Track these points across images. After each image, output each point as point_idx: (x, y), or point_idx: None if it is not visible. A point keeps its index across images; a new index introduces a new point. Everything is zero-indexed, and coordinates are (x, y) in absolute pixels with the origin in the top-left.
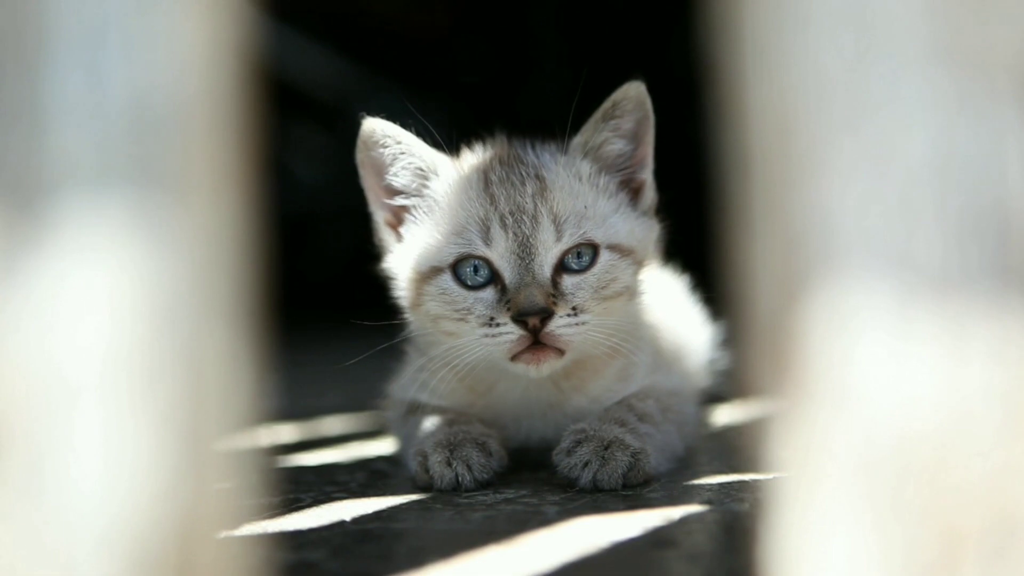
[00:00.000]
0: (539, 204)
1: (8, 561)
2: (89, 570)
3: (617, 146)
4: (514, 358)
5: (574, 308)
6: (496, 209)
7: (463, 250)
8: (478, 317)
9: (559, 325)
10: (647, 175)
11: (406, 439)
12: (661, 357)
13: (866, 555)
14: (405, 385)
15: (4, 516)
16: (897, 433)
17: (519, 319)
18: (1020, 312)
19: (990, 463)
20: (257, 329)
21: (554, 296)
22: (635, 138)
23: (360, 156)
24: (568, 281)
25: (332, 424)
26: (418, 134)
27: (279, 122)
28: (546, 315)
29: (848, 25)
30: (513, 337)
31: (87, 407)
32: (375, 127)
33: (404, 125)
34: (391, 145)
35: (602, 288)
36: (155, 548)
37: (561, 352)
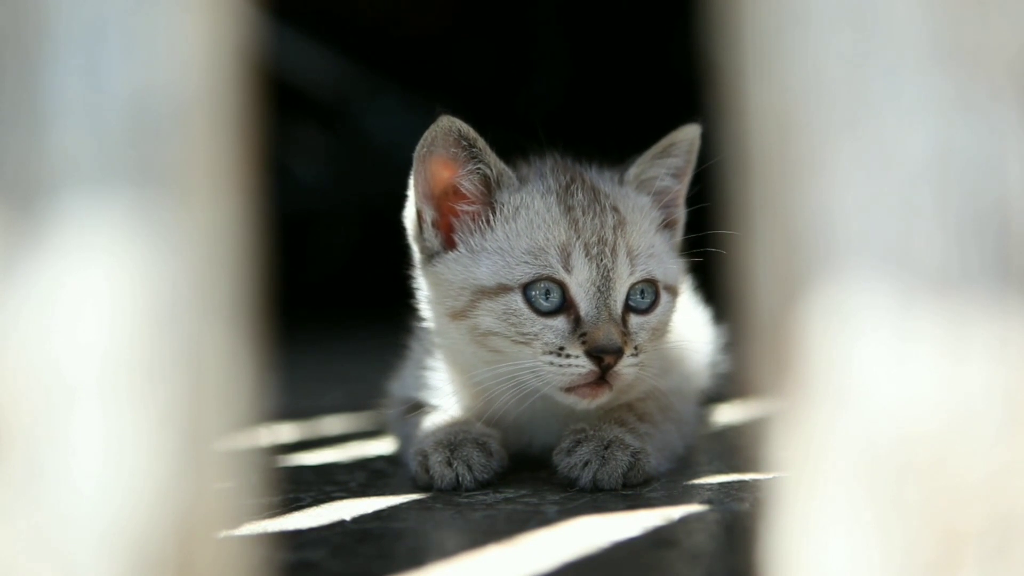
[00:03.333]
0: (619, 237)
1: (8, 561)
2: (89, 570)
3: (665, 183)
4: (569, 389)
5: (636, 348)
6: (580, 237)
7: (541, 272)
8: (546, 344)
9: (625, 365)
10: (681, 213)
11: (406, 438)
12: (665, 360)
13: (866, 555)
14: (406, 383)
15: (4, 516)
16: (897, 433)
17: (594, 355)
18: (1020, 312)
19: (990, 463)
20: (257, 329)
21: (625, 334)
22: (679, 175)
23: (425, 151)
24: (634, 321)
25: (332, 424)
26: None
27: (279, 122)
28: (620, 354)
29: (848, 25)
30: (583, 371)
31: (87, 407)
32: (454, 126)
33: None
34: (467, 148)
35: (656, 330)
36: (155, 548)
37: (612, 387)
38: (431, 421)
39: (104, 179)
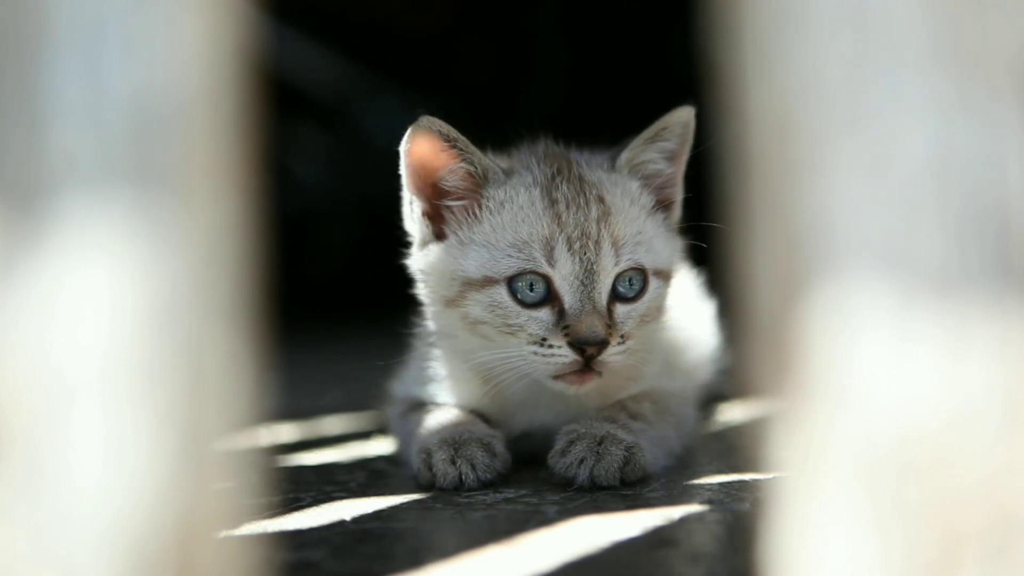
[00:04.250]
0: (603, 229)
1: (8, 561)
2: (89, 570)
3: (659, 166)
4: (557, 376)
5: (622, 336)
6: (562, 231)
7: (524, 265)
8: (530, 335)
9: (611, 353)
10: (677, 193)
11: (407, 436)
12: (670, 357)
13: (866, 555)
14: (408, 382)
15: (4, 516)
16: (897, 433)
17: (577, 346)
18: (1020, 312)
19: (990, 463)
20: (257, 329)
21: (610, 325)
22: (674, 158)
23: (409, 147)
24: (620, 310)
25: (332, 424)
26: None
27: (279, 122)
28: (603, 345)
29: (848, 25)
30: (566, 360)
31: (87, 406)
32: (433, 126)
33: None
34: (448, 146)
35: (646, 315)
36: (155, 548)
37: (600, 374)
38: (435, 419)
39: (104, 179)
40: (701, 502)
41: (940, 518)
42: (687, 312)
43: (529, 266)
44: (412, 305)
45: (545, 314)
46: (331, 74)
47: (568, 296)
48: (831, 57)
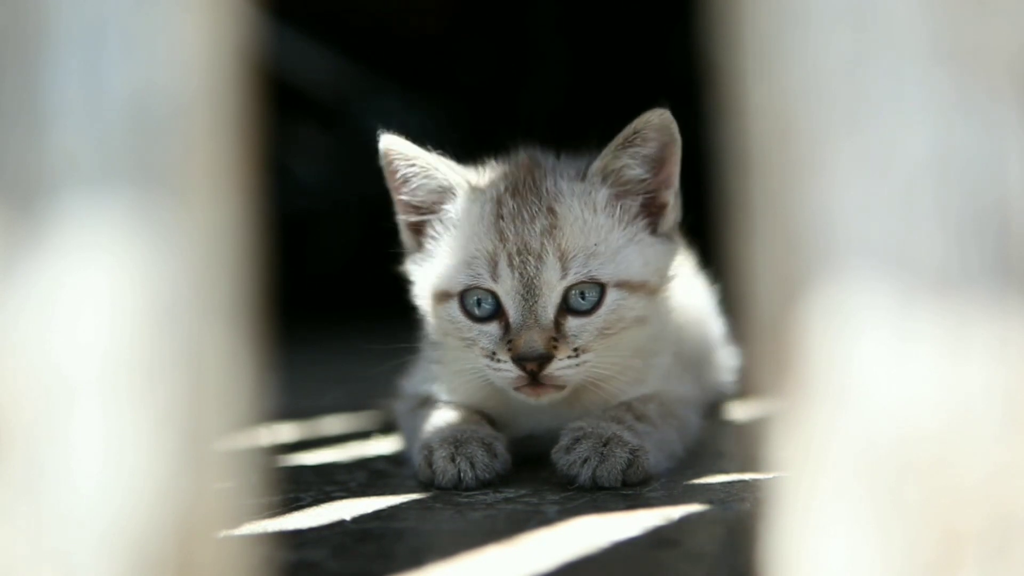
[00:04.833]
0: (546, 243)
1: (8, 561)
2: (89, 570)
3: (637, 172)
4: (516, 388)
5: (576, 349)
6: (504, 246)
7: (471, 282)
8: (482, 349)
9: (558, 367)
10: (670, 196)
11: (412, 432)
12: (679, 363)
13: (866, 555)
14: (418, 380)
15: (4, 516)
16: (897, 433)
17: (518, 361)
18: (1020, 312)
19: (990, 463)
20: (257, 329)
21: (555, 340)
22: (658, 162)
23: (383, 163)
24: (572, 323)
25: (332, 424)
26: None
27: (279, 122)
28: (545, 360)
29: (848, 25)
30: (512, 375)
31: (87, 406)
32: (390, 145)
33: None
34: (405, 166)
35: (607, 329)
36: (155, 548)
37: (561, 387)
38: (440, 417)
39: (104, 179)
40: (701, 502)
41: (940, 518)
42: (700, 324)
43: (474, 282)
44: (413, 306)
45: (494, 328)
46: (331, 74)
47: (512, 311)
48: (831, 57)
